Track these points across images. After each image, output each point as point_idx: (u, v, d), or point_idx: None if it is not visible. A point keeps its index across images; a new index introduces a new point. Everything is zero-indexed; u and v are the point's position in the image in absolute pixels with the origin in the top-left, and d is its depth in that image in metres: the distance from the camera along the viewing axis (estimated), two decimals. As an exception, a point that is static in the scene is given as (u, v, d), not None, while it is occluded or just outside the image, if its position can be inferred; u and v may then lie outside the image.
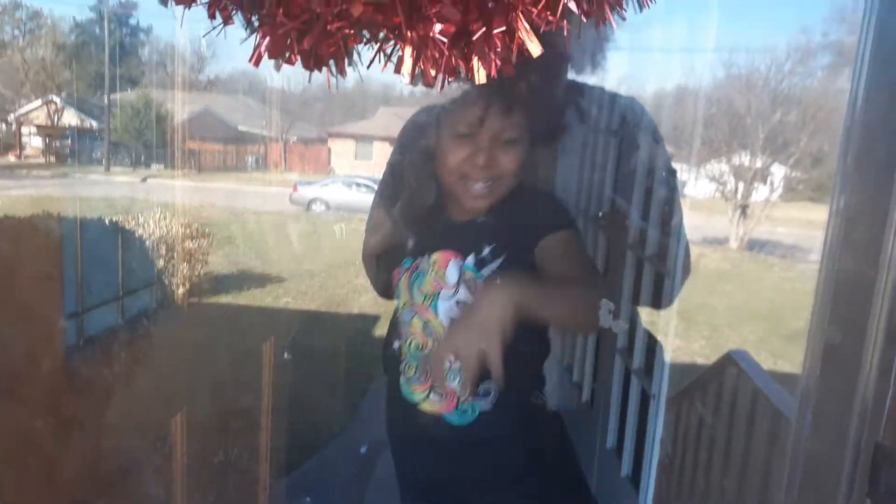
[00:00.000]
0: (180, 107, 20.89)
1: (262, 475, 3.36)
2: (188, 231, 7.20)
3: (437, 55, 0.49)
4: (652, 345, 2.38)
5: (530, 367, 1.39)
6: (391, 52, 0.54)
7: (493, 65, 0.50)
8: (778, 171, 13.26)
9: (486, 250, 1.29)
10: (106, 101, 19.84)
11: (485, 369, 1.23)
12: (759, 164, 12.39)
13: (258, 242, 10.44)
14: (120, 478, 3.05)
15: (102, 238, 5.43)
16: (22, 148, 20.28)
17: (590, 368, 3.29)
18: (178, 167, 18.81)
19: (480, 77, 0.51)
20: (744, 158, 12.53)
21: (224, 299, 7.63)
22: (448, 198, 1.34)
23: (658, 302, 2.00)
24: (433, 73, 0.51)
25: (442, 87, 0.53)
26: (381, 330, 6.71)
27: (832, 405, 0.74)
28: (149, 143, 19.06)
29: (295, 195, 14.81)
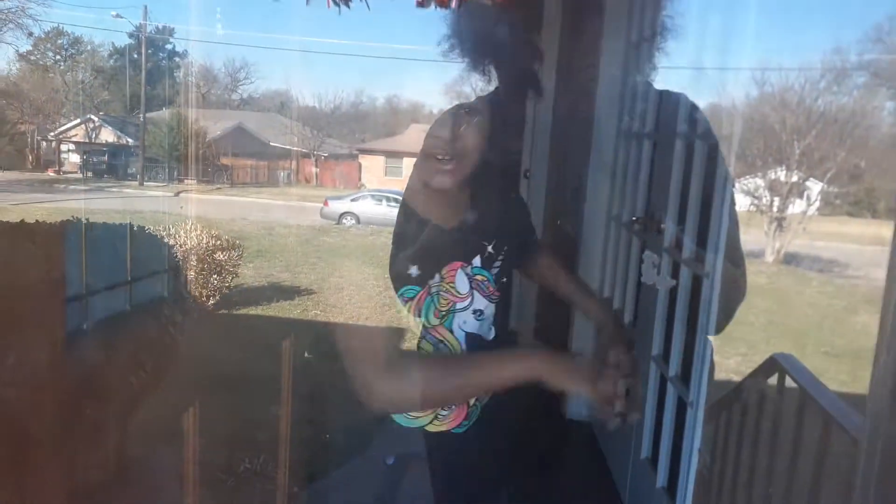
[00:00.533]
0: (214, 124, 21.27)
1: (281, 483, 3.30)
2: (219, 243, 7.23)
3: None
4: (689, 352, 2.28)
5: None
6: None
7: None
8: (814, 187, 13.02)
9: (489, 247, 1.26)
10: (142, 118, 20.27)
11: (488, 349, 1.27)
12: (794, 178, 12.18)
13: (289, 255, 10.49)
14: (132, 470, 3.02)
15: (126, 241, 5.49)
16: (61, 164, 20.79)
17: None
18: (211, 182, 19.11)
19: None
20: (779, 174, 12.34)
21: (253, 311, 7.64)
22: (431, 206, 1.26)
23: (706, 320, 1.90)
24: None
25: (459, 5, 0.46)
26: (409, 343, 6.65)
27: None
28: (182, 158, 19.38)
29: (326, 209, 14.93)
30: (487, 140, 1.17)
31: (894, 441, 0.65)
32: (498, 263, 1.27)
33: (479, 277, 1.25)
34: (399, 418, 1.29)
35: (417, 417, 1.27)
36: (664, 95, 2.11)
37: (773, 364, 1.90)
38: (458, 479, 1.32)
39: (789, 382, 1.79)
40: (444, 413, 1.26)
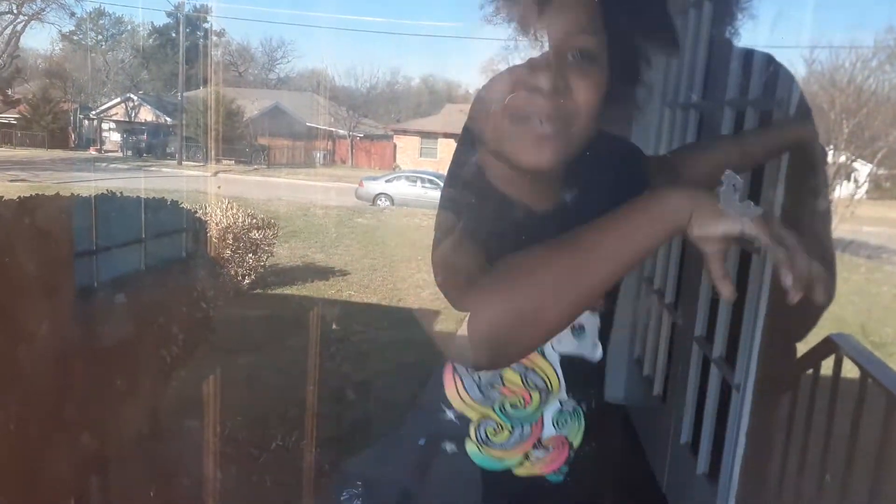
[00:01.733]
0: (251, 103, 21.41)
1: (309, 462, 3.29)
2: (254, 221, 7.27)
3: None
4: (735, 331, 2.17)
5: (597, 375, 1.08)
6: None
7: None
8: (863, 169, 12.59)
9: None
10: (180, 97, 20.51)
11: (598, 379, 1.03)
12: (842, 159, 11.80)
13: (323, 236, 10.53)
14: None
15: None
16: (102, 142, 21.18)
17: (663, 360, 3.09)
18: (249, 162, 19.26)
19: None
20: (827, 154, 11.98)
21: (288, 290, 7.69)
22: (518, 182, 0.95)
23: (755, 298, 1.78)
24: None
25: None
26: (441, 324, 6.62)
27: None
28: (220, 138, 19.59)
29: (361, 190, 14.96)
30: (603, 101, 0.87)
31: None
32: None
33: None
34: (481, 460, 1.00)
35: (503, 459, 1.00)
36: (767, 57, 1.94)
37: (829, 345, 1.78)
38: None
39: (848, 364, 1.68)
40: (538, 454, 1.00)
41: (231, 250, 7.00)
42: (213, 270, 6.44)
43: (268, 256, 7.46)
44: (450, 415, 1.01)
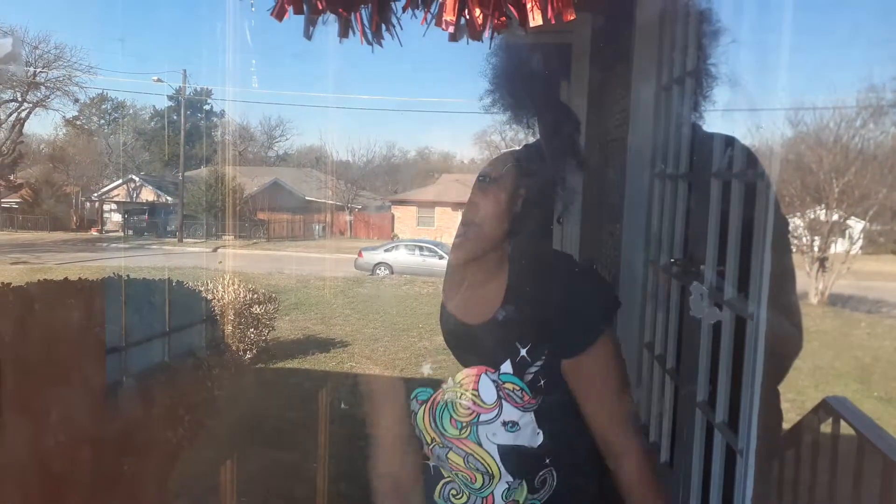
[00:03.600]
0: (251, 180, 21.82)
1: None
2: (255, 296, 7.30)
3: (483, -7, 0.42)
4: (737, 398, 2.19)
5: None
6: (431, 4, 0.47)
7: (550, 2, 0.43)
8: (856, 225, 12.77)
9: (523, 350, 1.02)
10: (181, 177, 20.91)
11: (541, 457, 1.08)
12: (835, 217, 11.97)
13: (324, 307, 10.56)
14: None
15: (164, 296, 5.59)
16: (104, 223, 21.46)
17: (668, 426, 3.08)
18: (248, 237, 19.48)
19: (536, 19, 0.44)
20: (819, 213, 12.15)
21: (290, 364, 7.66)
22: (455, 294, 1.13)
23: (751, 364, 1.83)
24: (480, 18, 0.44)
25: (491, 38, 0.46)
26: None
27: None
28: (220, 215, 19.86)
29: (360, 260, 15.08)
30: (506, 206, 1.03)
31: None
32: (534, 370, 1.04)
33: (508, 386, 1.04)
34: None
35: None
36: (701, 136, 2.08)
37: (825, 408, 1.81)
38: None
39: (843, 427, 1.70)
40: None
41: (232, 325, 7.02)
42: (214, 347, 6.44)
43: (269, 331, 7.47)
44: (430, 463, 1.13)
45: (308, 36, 0.51)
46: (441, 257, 14.37)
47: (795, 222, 12.31)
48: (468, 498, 1.08)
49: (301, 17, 0.47)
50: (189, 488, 3.48)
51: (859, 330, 9.64)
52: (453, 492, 1.10)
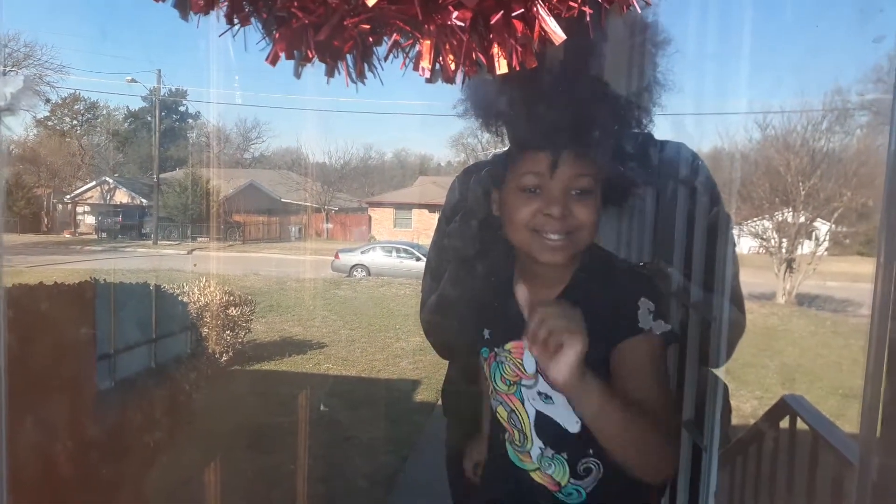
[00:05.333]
0: (226, 182, 21.66)
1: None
2: (231, 298, 7.29)
3: (455, 43, 0.49)
4: (702, 396, 2.28)
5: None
6: (409, 50, 0.53)
7: (515, 53, 0.50)
8: (822, 227, 13.07)
9: None
10: (155, 179, 20.70)
11: (582, 446, 1.16)
12: (801, 219, 12.24)
13: (300, 309, 10.54)
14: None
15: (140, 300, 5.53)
16: (76, 226, 21.16)
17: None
18: (224, 239, 19.34)
19: (501, 67, 0.51)
20: (786, 215, 12.41)
21: (266, 366, 7.65)
22: (518, 272, 1.24)
23: (709, 360, 1.92)
24: (452, 65, 0.51)
25: (463, 81, 0.53)
26: (421, 395, 6.63)
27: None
28: (195, 217, 19.69)
29: (336, 262, 15.06)
30: (598, 220, 1.14)
31: (887, 473, 0.68)
32: None
33: None
34: (513, 455, 1.24)
35: (524, 461, 1.22)
36: (664, 146, 2.17)
37: (783, 406, 1.90)
38: None
39: (801, 424, 1.79)
40: (541, 474, 1.20)
41: (208, 328, 6.99)
42: (190, 350, 6.42)
43: (245, 333, 7.45)
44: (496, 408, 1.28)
45: (297, 76, 0.57)
46: (418, 259, 14.37)
47: (764, 224, 12.56)
48: (522, 443, 1.22)
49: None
50: (163, 493, 3.49)
51: (825, 329, 9.88)
52: (515, 439, 1.24)
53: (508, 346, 1.21)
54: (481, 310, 1.29)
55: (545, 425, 1.18)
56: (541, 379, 1.16)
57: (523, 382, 1.19)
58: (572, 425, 1.16)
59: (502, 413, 1.23)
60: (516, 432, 1.21)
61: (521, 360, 1.19)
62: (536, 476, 1.21)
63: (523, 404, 1.20)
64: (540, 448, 1.19)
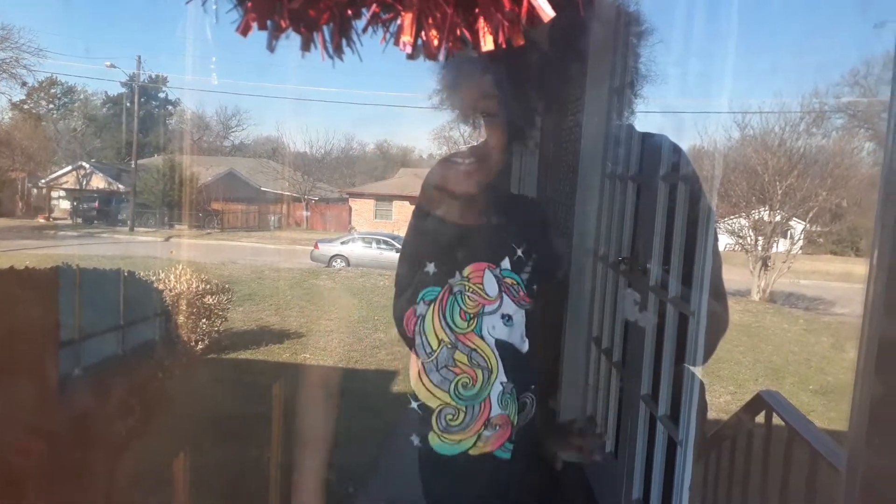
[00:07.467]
0: (206, 170, 21.41)
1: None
2: (208, 287, 7.21)
3: (438, 17, 0.47)
4: (678, 390, 2.29)
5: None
6: (389, 24, 0.51)
7: (501, 28, 0.48)
8: (797, 226, 13.26)
9: (519, 250, 1.22)
10: (133, 165, 20.41)
11: (528, 371, 1.24)
12: (778, 218, 12.40)
13: (278, 298, 10.46)
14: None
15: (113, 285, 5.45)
16: (51, 210, 20.81)
17: (613, 418, 3.19)
18: (202, 227, 19.13)
19: (487, 43, 0.49)
20: (763, 213, 12.57)
21: (242, 355, 7.58)
22: (450, 205, 1.27)
23: (692, 360, 1.92)
24: (435, 40, 0.49)
25: (446, 56, 0.51)
26: (399, 385, 6.61)
27: (883, 461, 0.68)
28: (173, 204, 19.46)
29: (316, 252, 14.97)
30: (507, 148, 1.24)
31: (874, 473, 0.68)
32: (528, 268, 1.22)
33: (508, 280, 1.21)
34: (441, 447, 1.23)
35: (460, 441, 1.22)
36: (647, 138, 2.17)
37: (759, 402, 1.92)
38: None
39: (776, 419, 1.80)
40: (488, 434, 1.22)
41: (184, 316, 6.91)
42: (166, 338, 6.35)
43: (222, 321, 7.38)
44: (414, 405, 1.24)
45: (271, 49, 0.54)
46: (398, 251, 14.34)
47: (741, 222, 12.71)
48: (465, 413, 1.22)
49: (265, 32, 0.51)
50: (136, 481, 3.44)
51: (798, 326, 10.02)
52: (449, 416, 1.22)
53: (466, 270, 1.21)
54: (420, 246, 1.30)
55: (506, 353, 1.22)
56: (505, 298, 1.21)
57: (485, 310, 1.21)
58: (523, 345, 1.23)
59: (460, 359, 1.22)
60: (479, 372, 1.21)
61: (482, 282, 1.21)
62: (474, 451, 1.22)
63: (483, 338, 1.21)
64: (502, 384, 1.22)
